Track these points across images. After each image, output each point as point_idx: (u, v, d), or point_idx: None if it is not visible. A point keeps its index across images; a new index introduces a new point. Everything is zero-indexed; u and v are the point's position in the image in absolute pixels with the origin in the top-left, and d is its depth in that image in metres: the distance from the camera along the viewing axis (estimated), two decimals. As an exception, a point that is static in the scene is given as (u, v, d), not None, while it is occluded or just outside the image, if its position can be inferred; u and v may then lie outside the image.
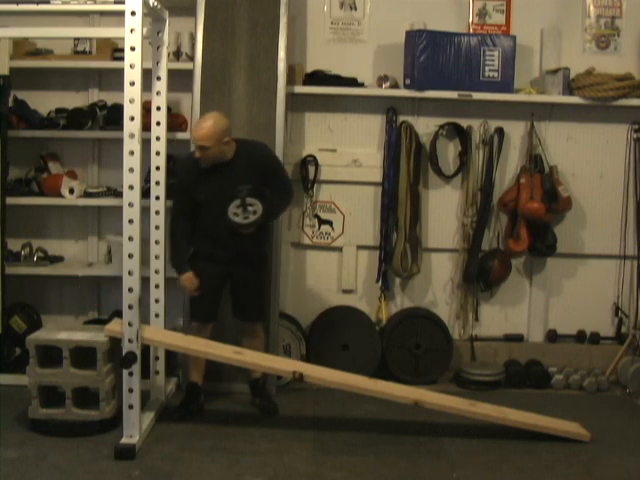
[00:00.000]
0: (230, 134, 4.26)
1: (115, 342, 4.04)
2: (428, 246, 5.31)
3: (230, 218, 4.19)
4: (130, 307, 3.86)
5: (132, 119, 3.74)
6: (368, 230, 5.31)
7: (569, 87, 5.11)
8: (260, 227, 4.32)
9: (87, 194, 5.15)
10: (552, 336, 5.38)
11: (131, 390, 3.89)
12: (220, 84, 4.85)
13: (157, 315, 4.50)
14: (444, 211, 5.31)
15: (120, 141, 3.81)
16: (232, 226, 4.22)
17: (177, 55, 5.13)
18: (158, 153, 4.42)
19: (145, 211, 4.04)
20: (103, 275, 5.23)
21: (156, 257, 4.46)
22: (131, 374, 3.88)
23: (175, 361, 4.86)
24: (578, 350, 5.35)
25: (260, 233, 4.37)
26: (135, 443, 3.87)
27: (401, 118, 5.22)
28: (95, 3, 3.99)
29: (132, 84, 3.73)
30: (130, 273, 3.83)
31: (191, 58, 4.96)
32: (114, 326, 4.08)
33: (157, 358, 4.52)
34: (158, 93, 4.39)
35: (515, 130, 5.26)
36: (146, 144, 4.05)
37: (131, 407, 3.90)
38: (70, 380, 4.06)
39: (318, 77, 5.13)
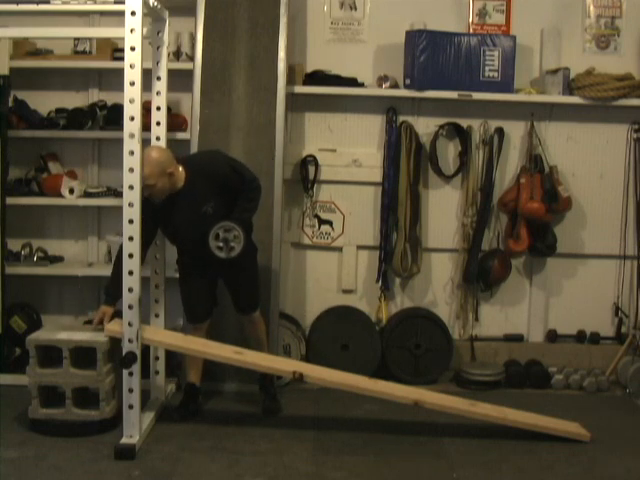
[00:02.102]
0: (172, 163, 4.08)
1: (115, 342, 4.04)
2: (428, 246, 5.31)
3: (217, 255, 4.07)
4: (130, 307, 3.86)
5: (132, 119, 3.74)
6: (368, 230, 5.31)
7: (569, 87, 5.11)
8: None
9: (87, 194, 5.15)
10: (552, 336, 5.38)
11: (131, 390, 3.89)
12: (220, 84, 4.85)
13: (157, 315, 4.51)
14: (444, 211, 5.31)
15: (120, 141, 3.81)
16: (222, 261, 4.12)
17: (177, 55, 5.13)
18: (158, 153, 4.42)
19: (145, 211, 4.04)
20: (103, 275, 5.21)
21: (156, 257, 4.46)
22: (131, 374, 3.88)
23: (175, 361, 4.86)
24: (578, 350, 5.34)
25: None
26: (135, 443, 3.87)
27: (401, 118, 5.22)
28: (95, 3, 3.99)
29: (132, 84, 3.73)
30: (130, 273, 3.83)
31: (191, 58, 4.96)
32: (114, 326, 4.08)
33: (157, 358, 4.52)
34: (158, 93, 4.39)
35: (515, 130, 5.26)
36: (146, 144, 4.04)
37: (131, 407, 3.90)
38: (70, 380, 4.06)
39: (318, 77, 5.13)
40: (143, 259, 4.09)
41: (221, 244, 4.07)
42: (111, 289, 4.20)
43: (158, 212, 4.14)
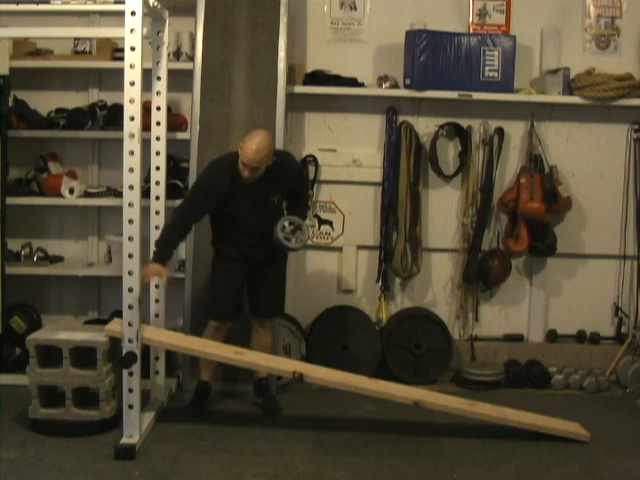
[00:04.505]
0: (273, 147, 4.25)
1: (115, 342, 4.04)
2: (428, 246, 5.31)
3: (282, 243, 4.22)
4: (130, 307, 3.86)
5: (132, 119, 3.74)
6: (368, 230, 5.31)
7: (569, 87, 5.11)
8: None
9: (87, 194, 5.15)
10: (552, 336, 5.37)
11: (131, 390, 3.89)
12: (220, 84, 4.85)
13: (157, 315, 4.51)
14: (444, 211, 5.31)
15: (120, 141, 3.81)
16: (283, 248, 4.31)
17: (177, 55, 5.13)
18: (158, 153, 4.42)
19: (145, 211, 4.05)
20: (103, 275, 5.23)
21: (156, 257, 4.46)
22: (131, 374, 3.88)
23: (175, 361, 4.86)
24: (578, 350, 5.35)
25: None
26: (135, 443, 3.87)
27: (401, 118, 5.22)
28: (95, 3, 4.00)
29: (132, 84, 3.73)
30: (130, 273, 3.83)
31: (191, 58, 4.96)
32: (114, 326, 4.08)
33: (157, 358, 4.52)
34: (158, 93, 4.40)
35: (515, 130, 5.26)
36: (146, 144, 4.05)
37: (131, 407, 3.90)
38: (70, 380, 4.06)
39: (318, 77, 5.13)
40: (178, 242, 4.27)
41: (289, 235, 4.23)
42: (163, 247, 4.17)
43: (231, 192, 4.17)
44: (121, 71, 3.78)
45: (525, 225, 5.12)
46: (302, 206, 4.50)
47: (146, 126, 4.04)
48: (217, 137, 4.81)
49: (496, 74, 5.03)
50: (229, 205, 4.23)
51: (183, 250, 4.93)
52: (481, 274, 5.22)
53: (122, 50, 3.87)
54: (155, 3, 4.11)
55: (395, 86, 5.18)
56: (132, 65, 3.72)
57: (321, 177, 5.26)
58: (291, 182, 4.36)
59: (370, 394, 4.23)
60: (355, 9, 5.27)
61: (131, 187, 3.78)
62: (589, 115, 5.23)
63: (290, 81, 4.98)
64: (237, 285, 4.41)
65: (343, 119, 5.27)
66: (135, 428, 3.91)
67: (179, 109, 5.24)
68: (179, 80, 4.81)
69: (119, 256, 4.14)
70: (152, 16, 4.26)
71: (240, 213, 4.26)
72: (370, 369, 4.96)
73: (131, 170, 3.77)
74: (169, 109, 4.66)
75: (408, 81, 5.09)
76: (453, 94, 5.03)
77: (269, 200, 4.27)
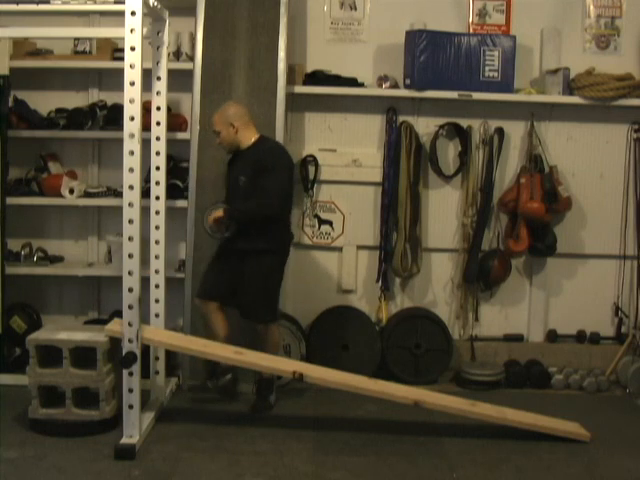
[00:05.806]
0: (241, 119, 4.36)
1: (115, 342, 4.04)
2: (428, 246, 5.31)
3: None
4: (130, 307, 3.86)
5: (132, 119, 3.74)
6: (368, 230, 5.31)
7: (569, 87, 5.11)
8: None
9: (87, 194, 5.15)
10: (552, 336, 5.38)
11: (131, 390, 3.89)
12: (220, 84, 4.85)
13: (157, 315, 4.50)
14: (444, 211, 5.31)
15: (120, 141, 3.81)
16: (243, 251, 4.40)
17: (177, 55, 5.13)
18: (158, 153, 4.42)
19: (145, 211, 4.05)
20: (103, 275, 5.24)
21: (156, 257, 4.46)
22: (131, 374, 3.88)
23: (175, 361, 4.86)
24: (578, 350, 5.35)
25: (254, 229, 4.34)
26: (135, 443, 3.87)
27: (401, 118, 5.22)
28: (95, 3, 4.00)
29: (132, 84, 3.73)
30: (130, 273, 3.83)
31: (191, 58, 4.96)
32: (114, 326, 4.08)
33: (157, 358, 4.52)
34: (158, 93, 4.39)
35: (515, 130, 5.26)
36: (146, 144, 4.05)
37: (131, 407, 3.90)
38: (70, 380, 4.06)
39: (318, 77, 5.13)
40: None
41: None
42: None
43: (228, 166, 4.55)
44: (121, 71, 3.78)
45: (525, 225, 5.12)
46: (252, 201, 4.31)
47: (146, 126, 4.04)
48: (217, 137, 4.81)
49: (496, 74, 5.03)
50: (227, 177, 4.58)
51: (183, 250, 4.95)
52: (481, 274, 5.22)
53: (122, 50, 3.87)
54: (155, 3, 4.11)
55: (395, 86, 5.18)
56: (132, 65, 3.72)
57: (321, 177, 5.26)
58: (256, 167, 4.29)
59: (370, 394, 4.23)
60: (355, 9, 5.27)
61: (131, 187, 3.78)
62: (589, 115, 5.23)
63: (290, 81, 4.98)
64: (217, 268, 4.48)
65: (343, 119, 5.27)
66: (135, 428, 3.91)
67: (179, 109, 5.25)
68: (179, 80, 4.81)
69: (119, 256, 4.14)
70: (152, 16, 4.26)
71: (229, 187, 4.51)
72: (370, 369, 4.96)
73: (131, 170, 3.77)
74: (169, 109, 4.66)
75: (408, 81, 5.09)
76: (453, 94, 5.03)
77: (238, 178, 4.39)
